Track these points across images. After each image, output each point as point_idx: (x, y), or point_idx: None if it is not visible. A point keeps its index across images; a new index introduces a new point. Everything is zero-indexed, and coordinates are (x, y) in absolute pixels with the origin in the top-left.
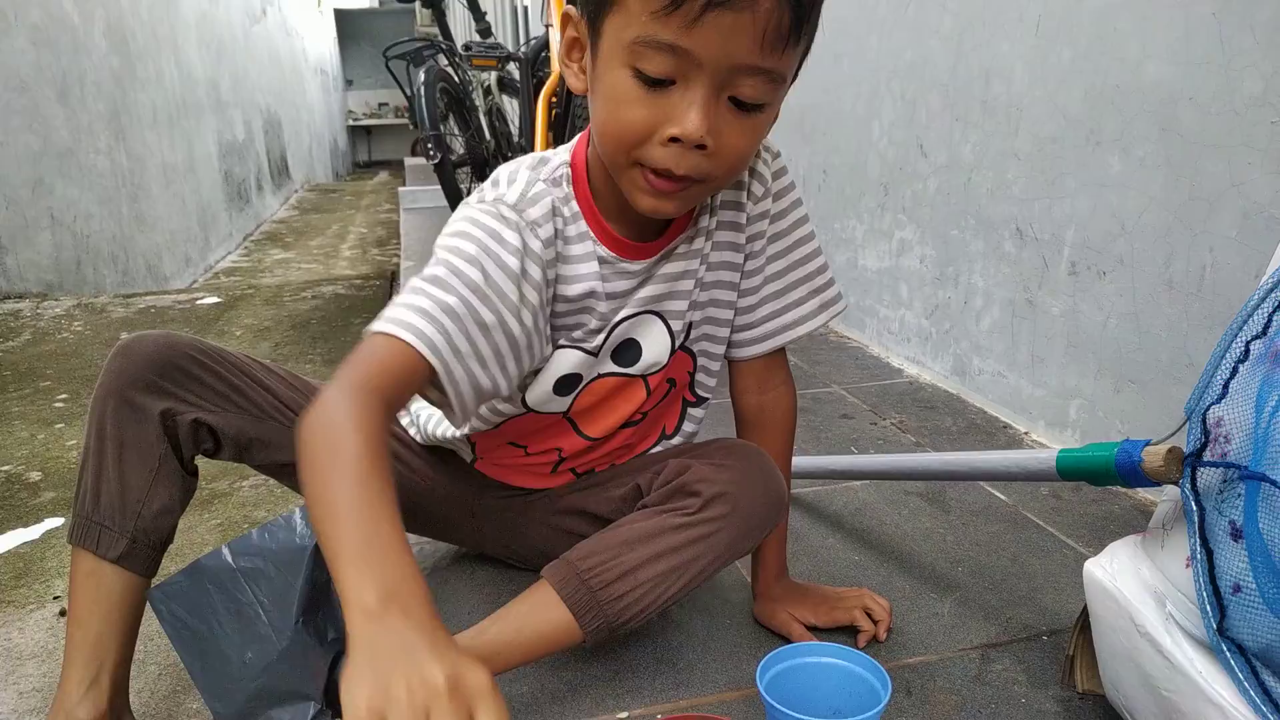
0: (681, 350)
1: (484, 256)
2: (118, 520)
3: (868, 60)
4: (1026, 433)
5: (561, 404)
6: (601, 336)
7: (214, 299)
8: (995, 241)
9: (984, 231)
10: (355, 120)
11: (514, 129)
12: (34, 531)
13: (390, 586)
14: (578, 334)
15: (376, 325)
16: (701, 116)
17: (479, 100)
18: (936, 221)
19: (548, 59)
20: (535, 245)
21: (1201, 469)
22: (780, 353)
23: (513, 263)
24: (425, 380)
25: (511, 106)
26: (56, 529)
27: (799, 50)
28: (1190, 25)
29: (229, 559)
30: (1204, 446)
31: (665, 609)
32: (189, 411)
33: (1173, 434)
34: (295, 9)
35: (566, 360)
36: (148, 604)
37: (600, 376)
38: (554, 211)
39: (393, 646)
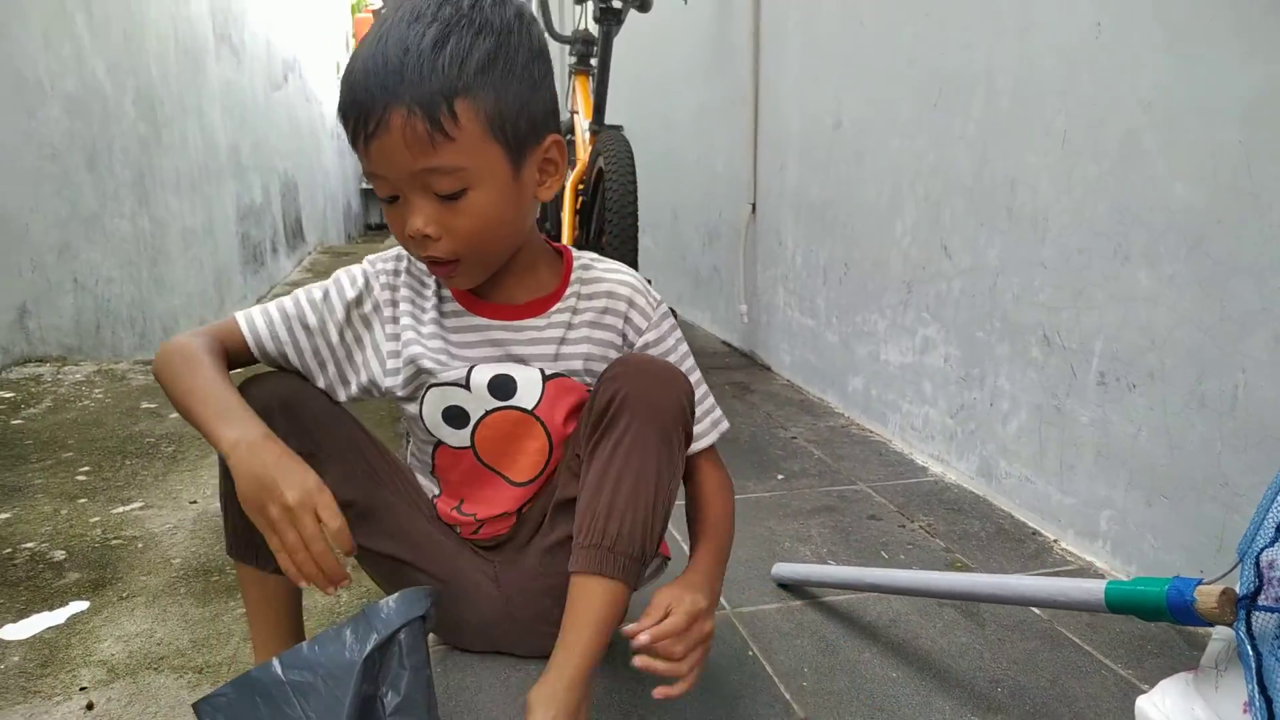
0: (556, 379)
1: (331, 285)
2: None
3: (889, 160)
4: (1056, 540)
5: (461, 437)
6: (463, 373)
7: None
8: (1022, 346)
9: (1010, 336)
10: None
11: None
12: (59, 616)
13: (242, 432)
14: (445, 375)
15: (238, 311)
16: (416, 217)
17: None
18: (961, 322)
19: (572, 144)
20: (376, 285)
21: (1257, 613)
22: (702, 457)
23: (349, 292)
24: (245, 353)
25: None
26: (81, 613)
27: (469, 134)
28: (1217, 151)
29: (279, 671)
30: (1258, 590)
31: (666, 517)
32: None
33: (1224, 575)
34: (315, 75)
35: (445, 394)
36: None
37: (490, 412)
38: (407, 265)
39: (254, 474)
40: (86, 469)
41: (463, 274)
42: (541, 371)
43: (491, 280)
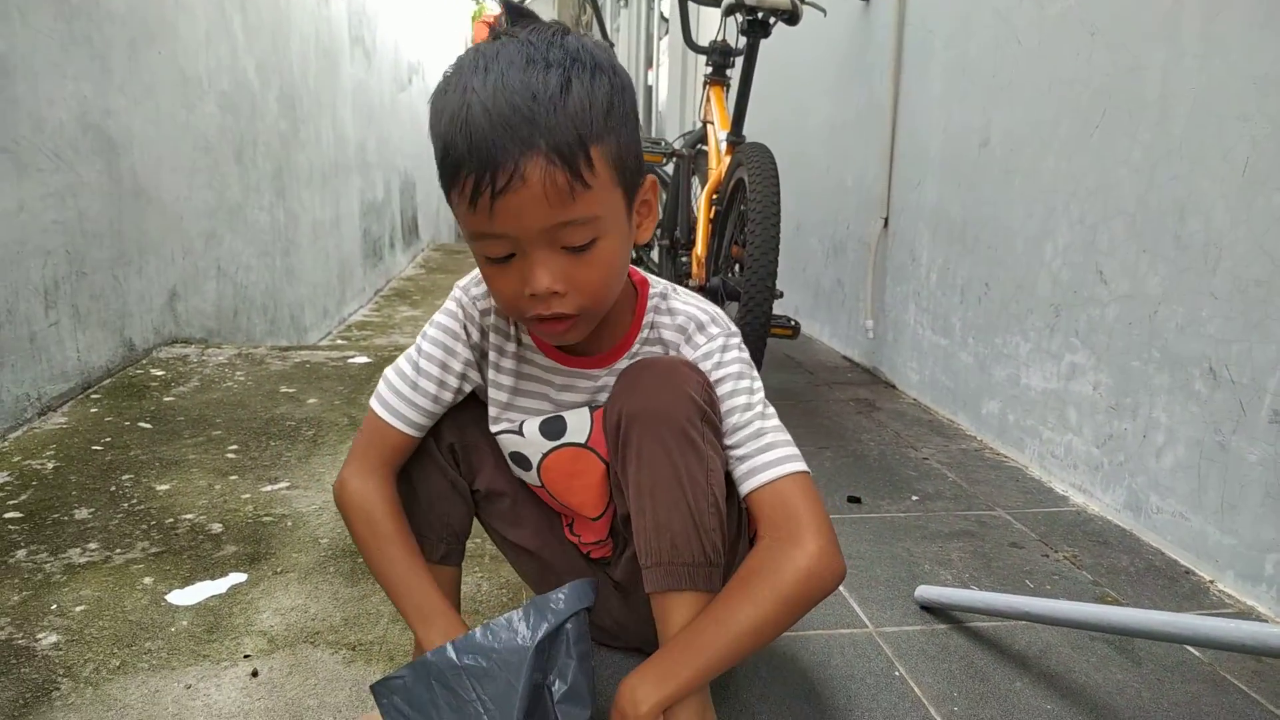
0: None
1: (444, 336)
2: (435, 530)
3: (1042, 181)
4: (1212, 581)
5: (532, 477)
6: (517, 424)
7: (364, 359)
8: (1183, 379)
9: (1170, 366)
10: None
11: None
12: (220, 585)
13: (440, 636)
14: (500, 425)
15: (374, 402)
16: (543, 273)
17: None
18: (1115, 350)
19: (705, 153)
20: (471, 327)
21: None
22: (774, 509)
23: (456, 345)
24: (409, 447)
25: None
26: (240, 585)
27: (602, 181)
28: None
29: (453, 656)
30: None
31: (717, 506)
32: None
33: None
34: (437, 76)
35: (506, 441)
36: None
37: (547, 454)
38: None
39: None
40: (235, 448)
41: (578, 327)
42: (589, 405)
43: None
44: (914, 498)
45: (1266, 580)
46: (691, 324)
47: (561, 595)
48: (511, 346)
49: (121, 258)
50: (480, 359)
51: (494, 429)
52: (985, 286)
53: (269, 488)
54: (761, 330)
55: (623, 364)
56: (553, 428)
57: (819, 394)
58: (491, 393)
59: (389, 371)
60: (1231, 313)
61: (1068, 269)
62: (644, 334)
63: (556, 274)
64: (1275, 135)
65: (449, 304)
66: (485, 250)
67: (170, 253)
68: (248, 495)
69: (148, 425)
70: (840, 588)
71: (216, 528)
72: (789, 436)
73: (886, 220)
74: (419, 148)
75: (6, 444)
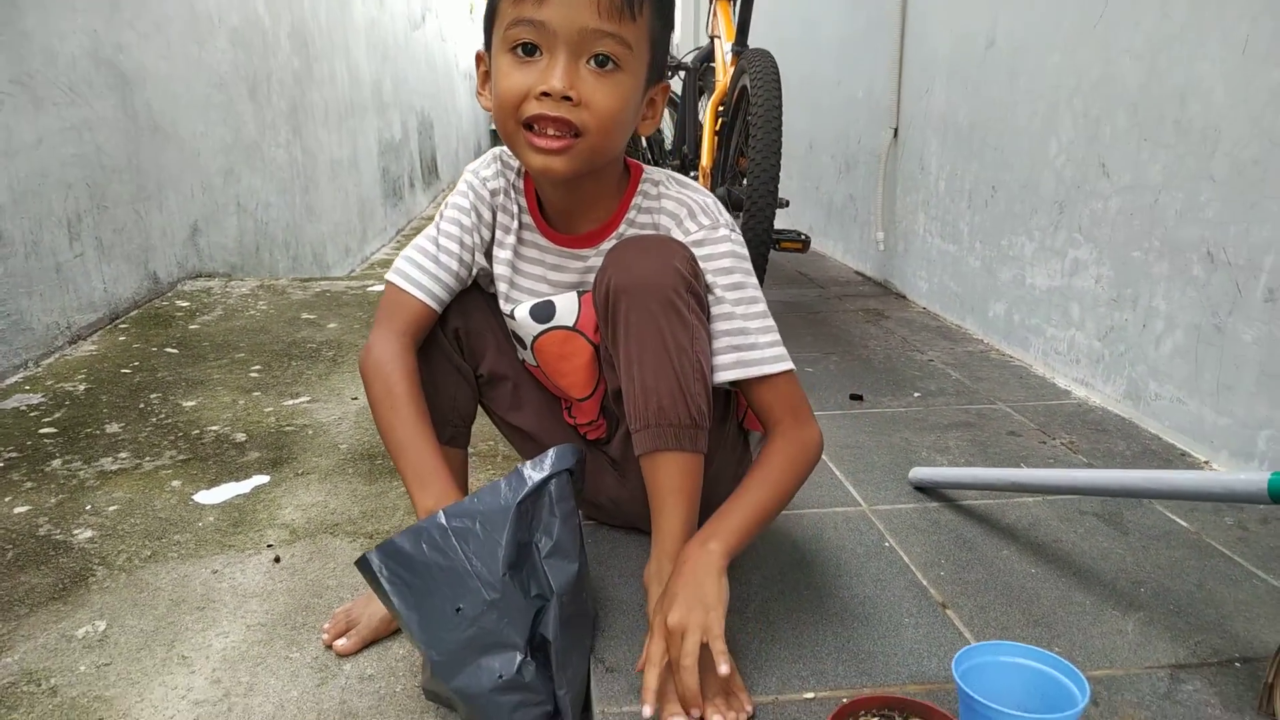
0: (590, 293)
1: (459, 214)
2: (442, 413)
3: (1047, 77)
4: (1207, 461)
5: (527, 356)
6: (510, 308)
7: (383, 287)
8: (1182, 264)
9: (1170, 254)
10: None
11: (666, 138)
12: (245, 486)
13: (436, 500)
14: (503, 305)
15: (394, 276)
16: (563, 74)
17: None
18: (1116, 243)
19: (712, 69)
20: (482, 207)
21: None
22: (765, 402)
23: (466, 220)
24: (431, 319)
25: (665, 115)
26: (263, 485)
27: (643, 27)
28: None
29: (443, 520)
30: None
31: (702, 375)
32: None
33: None
34: (450, 16)
35: (508, 323)
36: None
37: (538, 336)
38: (505, 185)
39: None
40: (258, 368)
41: (574, 153)
42: (578, 290)
43: (565, 208)
44: (916, 394)
45: (1259, 456)
46: (684, 210)
47: (544, 458)
48: (514, 224)
49: (141, 192)
50: (490, 240)
51: (503, 307)
52: (992, 190)
53: (290, 402)
54: (765, 236)
55: (609, 244)
56: (542, 311)
57: (829, 306)
58: (497, 270)
59: (408, 250)
60: (1229, 195)
61: (1071, 165)
62: (631, 215)
63: (574, 80)
64: (1271, 10)
65: (461, 186)
66: (517, 36)
67: (189, 188)
68: (270, 409)
69: (174, 350)
70: (836, 471)
71: (240, 437)
72: (776, 330)
73: (896, 130)
74: (435, 87)
75: (40, 369)
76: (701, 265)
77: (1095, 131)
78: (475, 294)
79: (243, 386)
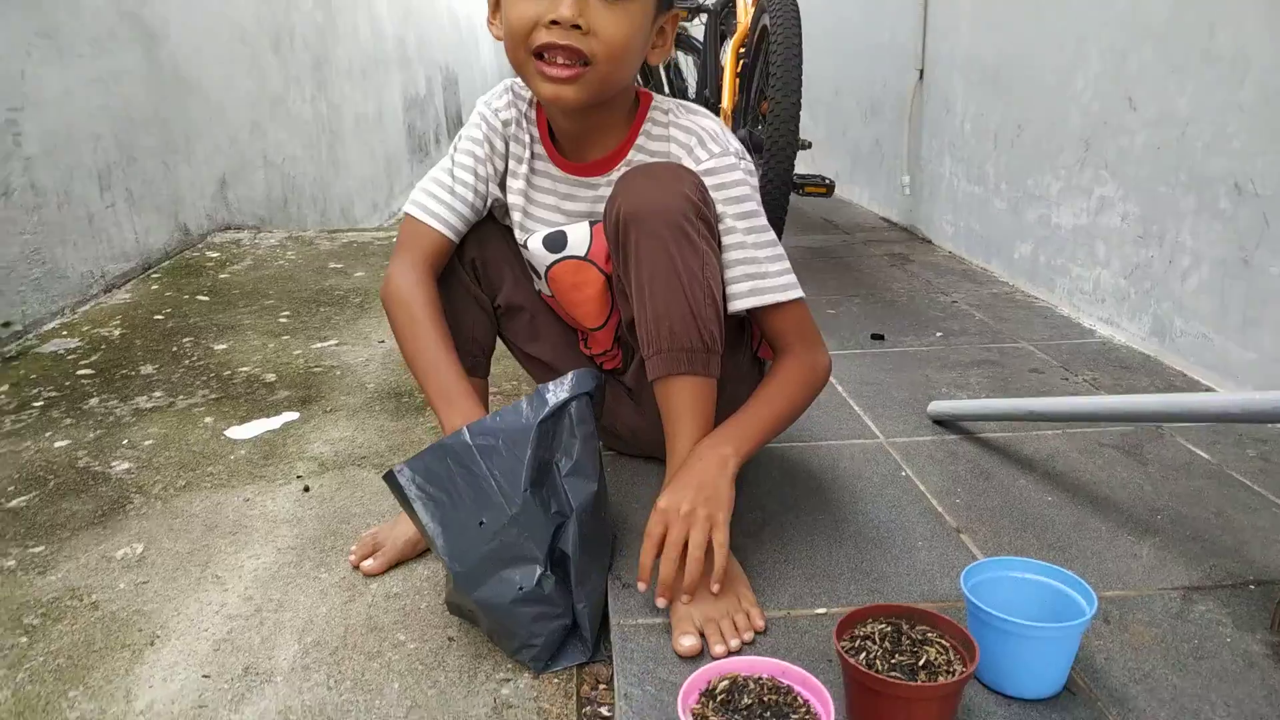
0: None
1: (473, 146)
2: (462, 343)
3: (1072, 11)
4: None
5: (543, 287)
6: (523, 239)
7: None
8: (1209, 198)
9: (1197, 187)
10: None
11: (689, 84)
12: (275, 422)
13: (463, 418)
14: (518, 235)
15: (411, 207)
16: (572, 2)
17: None
18: (1142, 177)
19: (733, 11)
20: (495, 138)
21: None
22: (778, 330)
23: (479, 150)
24: (449, 249)
25: (687, 63)
26: (293, 422)
27: None
28: None
29: (467, 438)
30: None
31: (714, 301)
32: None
33: None
34: None
35: (523, 253)
36: (398, 475)
37: (550, 266)
38: (518, 115)
39: None
40: (287, 314)
41: (584, 82)
42: (589, 220)
43: (575, 137)
44: (938, 334)
45: None
46: (693, 138)
47: (564, 381)
48: (526, 154)
49: (169, 145)
50: (503, 171)
51: (518, 237)
52: (1018, 129)
53: (319, 345)
54: (786, 177)
55: (619, 172)
56: (555, 241)
57: (853, 251)
58: (511, 200)
59: (424, 182)
60: (1258, 125)
61: (1098, 100)
62: (641, 142)
63: (583, 9)
64: None
65: (474, 118)
66: None
67: (216, 142)
68: (299, 352)
69: (205, 298)
70: (855, 405)
71: (270, 377)
72: (786, 258)
73: (921, 73)
74: (459, 43)
75: (76, 316)
76: (714, 193)
77: (1122, 65)
78: (491, 225)
79: (272, 331)
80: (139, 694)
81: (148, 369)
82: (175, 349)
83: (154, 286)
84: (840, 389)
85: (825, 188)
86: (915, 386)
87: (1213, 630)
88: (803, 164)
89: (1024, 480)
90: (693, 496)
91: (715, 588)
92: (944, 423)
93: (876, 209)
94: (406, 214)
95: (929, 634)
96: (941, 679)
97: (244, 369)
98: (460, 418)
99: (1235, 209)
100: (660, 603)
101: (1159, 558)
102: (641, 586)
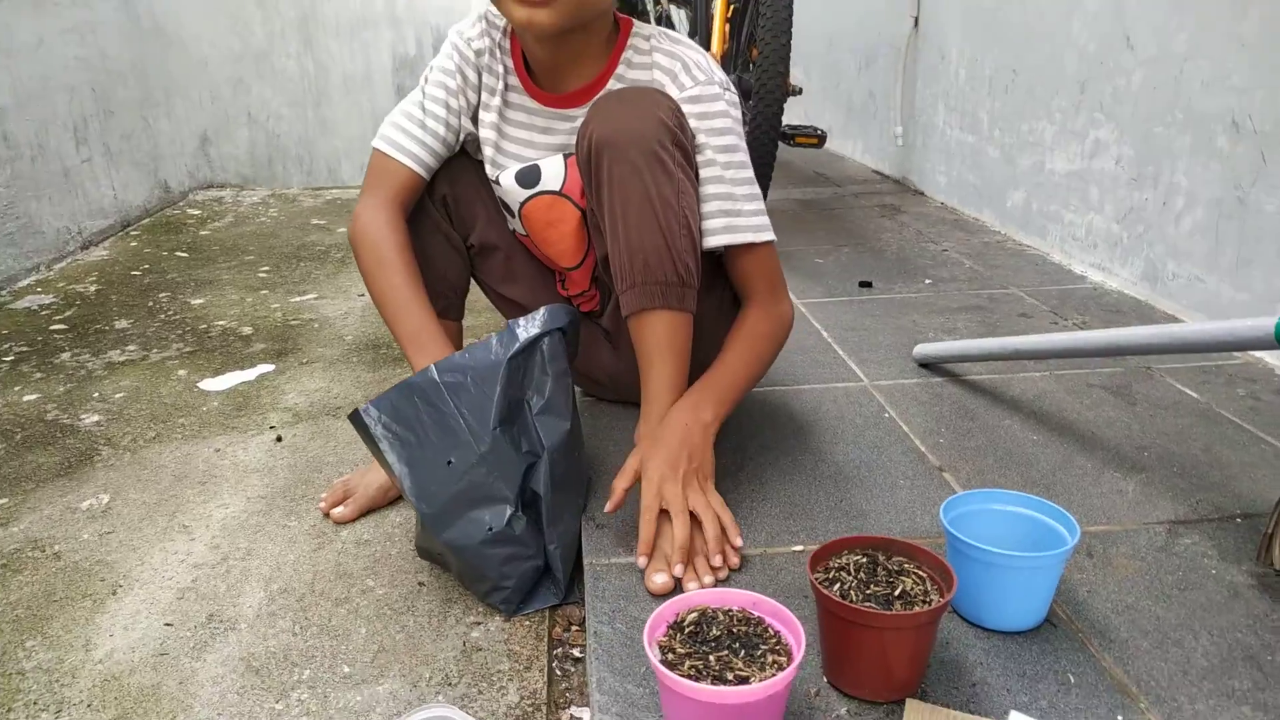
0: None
1: (444, 77)
2: (434, 284)
3: None
4: None
5: (516, 224)
6: (496, 174)
7: None
8: (1206, 136)
9: (1193, 126)
10: None
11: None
12: (250, 374)
13: (430, 360)
14: (490, 171)
15: (380, 143)
16: None
17: (649, 7)
18: (1138, 118)
19: None
20: (467, 69)
21: None
22: (746, 271)
23: (451, 82)
24: (420, 186)
25: (679, 17)
26: (268, 374)
27: None
28: None
29: (435, 375)
30: None
31: (690, 231)
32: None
33: None
34: None
35: (495, 190)
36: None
37: (524, 202)
38: (491, 45)
39: None
40: (267, 269)
41: (558, 6)
42: (563, 154)
43: (552, 66)
44: (927, 281)
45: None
46: (678, 64)
47: (535, 316)
48: (500, 86)
49: (148, 99)
50: (476, 103)
51: (490, 173)
52: (1013, 74)
53: (298, 299)
54: (774, 122)
55: (583, 110)
56: (528, 176)
57: (844, 203)
58: (483, 134)
59: (393, 115)
60: (1258, 59)
61: (1094, 40)
62: (621, 70)
63: None
64: None
65: (445, 48)
66: None
67: (198, 97)
68: (277, 305)
69: (184, 254)
70: (839, 350)
71: (247, 330)
72: (761, 198)
73: (916, 20)
74: (450, 4)
75: (52, 273)
76: (696, 124)
77: (1121, 2)
78: (463, 161)
79: (251, 285)
80: (99, 643)
81: (122, 324)
82: (151, 304)
83: (133, 244)
84: (825, 334)
85: (817, 138)
86: (902, 332)
87: (1197, 563)
88: (795, 117)
89: (1009, 420)
90: (685, 465)
91: (717, 560)
92: (930, 366)
93: (869, 162)
94: (375, 149)
95: (905, 564)
96: (918, 609)
97: (220, 323)
98: (429, 359)
99: (1232, 147)
100: (678, 571)
101: (1145, 493)
102: (642, 561)
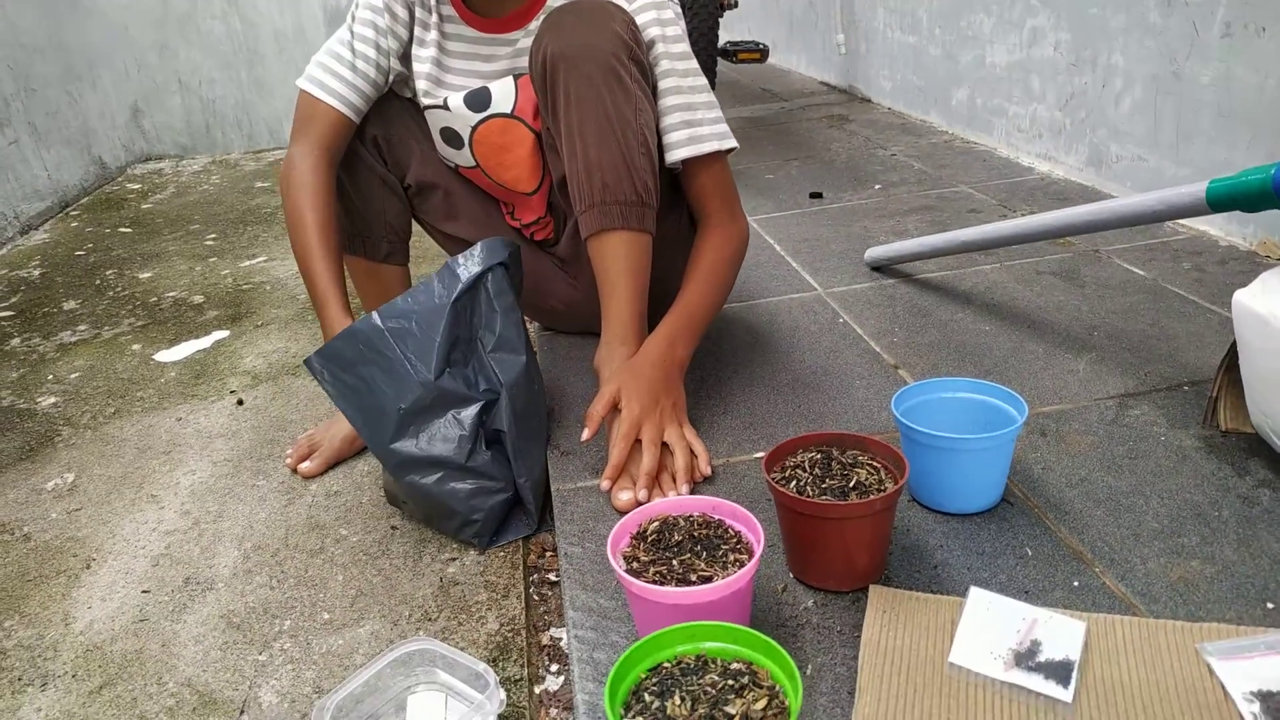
0: (526, 76)
1: (373, 15)
2: (374, 229)
3: None
4: None
5: (465, 156)
6: (441, 98)
7: None
8: (1139, 13)
9: (1126, 4)
10: None
11: None
12: (205, 342)
13: (335, 324)
14: (430, 100)
15: (307, 84)
16: None
17: None
18: (1074, 1)
19: None
20: (397, 5)
21: None
22: (704, 186)
23: (380, 21)
24: (348, 129)
25: None
26: (224, 340)
27: None
28: None
29: (378, 322)
30: None
31: (649, 149)
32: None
33: None
34: None
35: (435, 117)
36: (311, 363)
37: (475, 127)
38: None
39: None
40: (214, 236)
41: None
42: (513, 75)
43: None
44: (877, 187)
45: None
46: None
47: (473, 253)
48: (434, 19)
49: (71, 72)
50: (408, 40)
51: (424, 103)
52: None
53: (247, 263)
54: (711, 35)
55: (538, 23)
56: (478, 98)
57: (792, 116)
58: (417, 67)
59: (319, 55)
60: None
61: None
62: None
63: None
64: None
65: None
66: None
67: (123, 66)
68: (227, 271)
69: (128, 230)
70: (793, 262)
71: (198, 299)
72: (718, 105)
73: None
74: None
75: None
76: (653, 32)
77: None
78: (394, 100)
79: (198, 254)
80: (78, 616)
81: (70, 304)
82: (98, 282)
83: (73, 224)
84: (778, 248)
85: (759, 53)
86: (854, 239)
87: (1147, 431)
88: (738, 33)
89: (962, 314)
90: (664, 399)
91: (684, 488)
92: (882, 269)
93: (815, 74)
94: (302, 90)
95: (860, 457)
96: (873, 497)
97: (171, 294)
98: (330, 323)
99: (1165, 21)
100: (642, 495)
101: (1095, 371)
102: (606, 484)
